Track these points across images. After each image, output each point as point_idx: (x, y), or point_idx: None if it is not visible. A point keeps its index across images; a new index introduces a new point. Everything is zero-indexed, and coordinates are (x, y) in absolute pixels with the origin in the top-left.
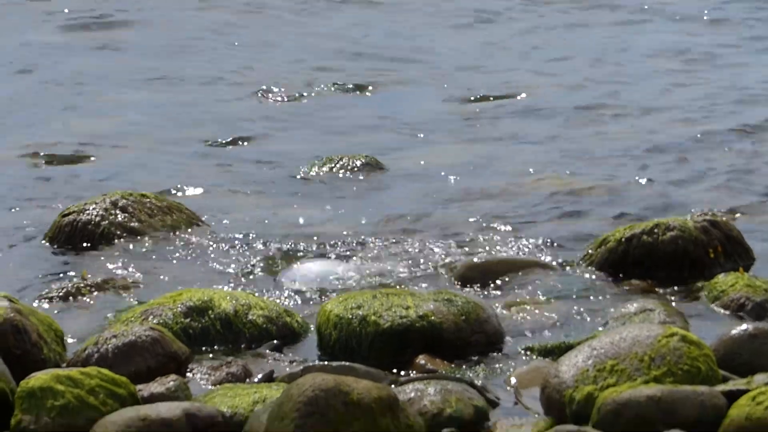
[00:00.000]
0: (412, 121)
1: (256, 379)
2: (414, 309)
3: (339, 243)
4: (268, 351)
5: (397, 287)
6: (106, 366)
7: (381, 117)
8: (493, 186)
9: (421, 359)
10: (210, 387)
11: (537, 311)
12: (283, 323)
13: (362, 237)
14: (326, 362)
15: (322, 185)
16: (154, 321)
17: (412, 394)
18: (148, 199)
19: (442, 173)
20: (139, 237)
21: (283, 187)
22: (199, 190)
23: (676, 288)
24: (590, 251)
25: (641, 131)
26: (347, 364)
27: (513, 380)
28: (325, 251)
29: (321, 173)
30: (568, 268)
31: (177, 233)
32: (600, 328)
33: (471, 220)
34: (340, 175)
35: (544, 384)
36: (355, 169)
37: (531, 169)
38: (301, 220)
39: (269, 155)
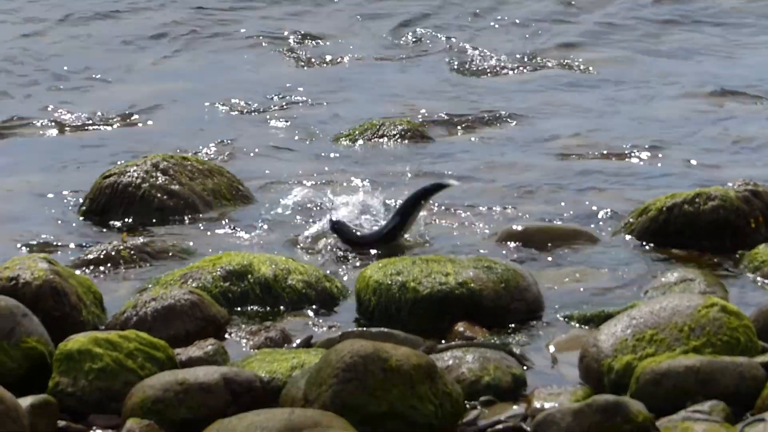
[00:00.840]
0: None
1: (294, 345)
2: (453, 276)
3: (380, 211)
4: (306, 316)
5: (437, 254)
6: (144, 329)
7: (425, 82)
8: (536, 156)
9: (460, 326)
10: (248, 351)
11: (577, 279)
12: (322, 288)
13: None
14: (365, 328)
15: (364, 152)
16: (194, 285)
17: (451, 362)
18: (189, 162)
19: (487, 144)
20: (179, 200)
21: (326, 152)
22: (241, 155)
23: (716, 258)
24: (631, 220)
25: (688, 108)
26: (386, 330)
27: (551, 348)
28: (366, 219)
29: (363, 139)
30: (608, 236)
31: (217, 197)
32: (640, 298)
33: (512, 189)
34: (384, 142)
35: (582, 353)
36: (398, 135)
37: (575, 142)
38: (343, 187)
39: (314, 120)
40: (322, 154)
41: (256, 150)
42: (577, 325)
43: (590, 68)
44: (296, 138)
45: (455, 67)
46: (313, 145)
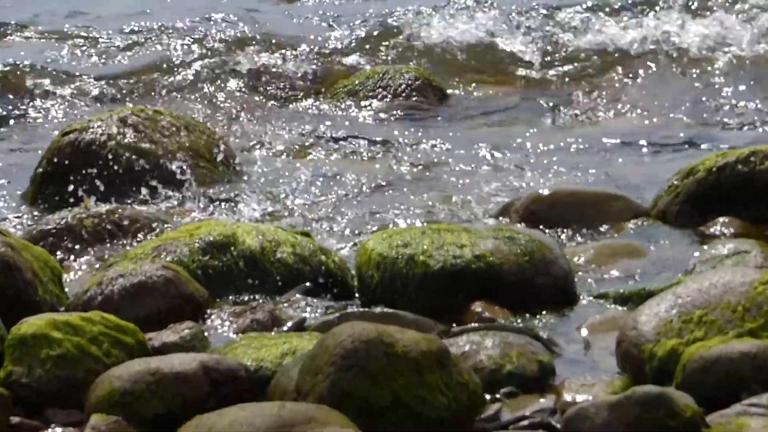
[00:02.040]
0: None
1: (285, 328)
2: (470, 248)
3: (384, 174)
4: (299, 295)
5: (451, 223)
6: (111, 310)
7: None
8: (572, 115)
9: (477, 306)
10: (231, 336)
11: (613, 251)
12: (318, 263)
13: (414, 168)
14: (367, 309)
15: (364, 104)
16: (168, 258)
17: (466, 347)
18: (163, 116)
19: (505, 102)
20: (151, 160)
21: (319, 105)
22: (221, 107)
23: None
24: (675, 182)
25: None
26: (391, 311)
27: (584, 332)
28: (368, 183)
29: (363, 90)
30: (650, 201)
31: (196, 157)
32: (686, 273)
33: (539, 150)
34: (388, 96)
35: (620, 337)
36: (406, 89)
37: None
38: (339, 146)
39: (304, 64)
40: (316, 110)
41: (240, 102)
42: (614, 304)
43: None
44: (286, 85)
45: None
46: (305, 101)
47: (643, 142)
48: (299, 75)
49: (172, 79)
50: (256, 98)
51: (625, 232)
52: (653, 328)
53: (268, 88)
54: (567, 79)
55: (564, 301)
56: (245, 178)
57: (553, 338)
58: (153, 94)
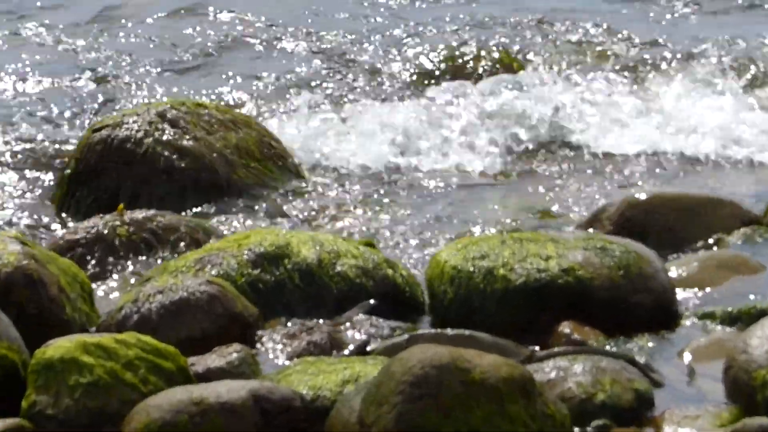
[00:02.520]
0: None
1: (346, 352)
2: (556, 260)
3: (462, 173)
4: (362, 314)
5: (535, 231)
6: (148, 332)
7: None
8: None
9: (565, 327)
10: (285, 361)
11: (719, 264)
12: (383, 277)
13: (493, 164)
14: (439, 330)
15: (440, 93)
16: (213, 272)
17: (553, 374)
18: (207, 110)
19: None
20: (193, 160)
21: (392, 95)
22: (271, 101)
23: None
24: None
25: None
26: (467, 332)
27: (687, 356)
28: (447, 183)
29: (440, 75)
30: (761, 208)
31: (244, 156)
32: None
33: (636, 145)
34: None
35: (728, 362)
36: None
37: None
38: (411, 144)
39: (370, 55)
40: (391, 97)
41: (293, 95)
42: (721, 325)
43: None
44: (354, 77)
45: None
46: (376, 89)
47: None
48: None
49: (220, 69)
50: (313, 88)
51: (733, 242)
52: (765, 350)
53: (328, 79)
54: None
55: (664, 321)
56: (302, 180)
57: (652, 364)
58: (197, 86)
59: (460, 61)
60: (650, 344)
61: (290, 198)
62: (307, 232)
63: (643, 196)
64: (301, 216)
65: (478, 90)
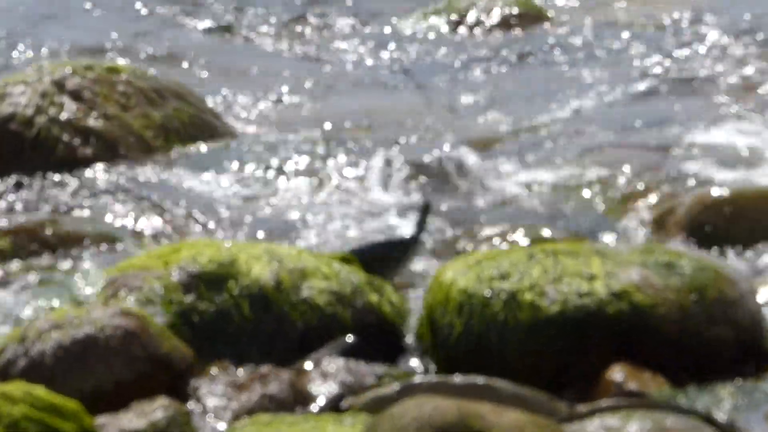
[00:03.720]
0: None
1: (313, 407)
2: (604, 280)
3: (462, 153)
4: (336, 355)
5: (573, 240)
6: (41, 381)
7: None
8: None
9: (617, 372)
10: (230, 420)
11: None
12: (365, 305)
13: (512, 138)
14: (443, 376)
15: (433, 48)
16: (130, 299)
17: None
18: (121, 76)
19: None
20: (103, 145)
21: (362, 54)
22: (211, 64)
23: None
24: None
25: None
26: (481, 379)
27: None
28: (441, 173)
29: (431, 29)
30: None
31: (173, 138)
32: None
33: (695, 118)
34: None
35: None
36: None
37: None
38: (396, 111)
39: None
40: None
41: (235, 55)
42: None
43: None
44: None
45: None
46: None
47: None
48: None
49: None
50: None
51: None
52: None
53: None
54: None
55: (752, 362)
56: (252, 169)
57: (736, 423)
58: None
59: None
60: (733, 396)
61: (233, 192)
62: (260, 243)
63: (722, 192)
64: (250, 219)
65: None
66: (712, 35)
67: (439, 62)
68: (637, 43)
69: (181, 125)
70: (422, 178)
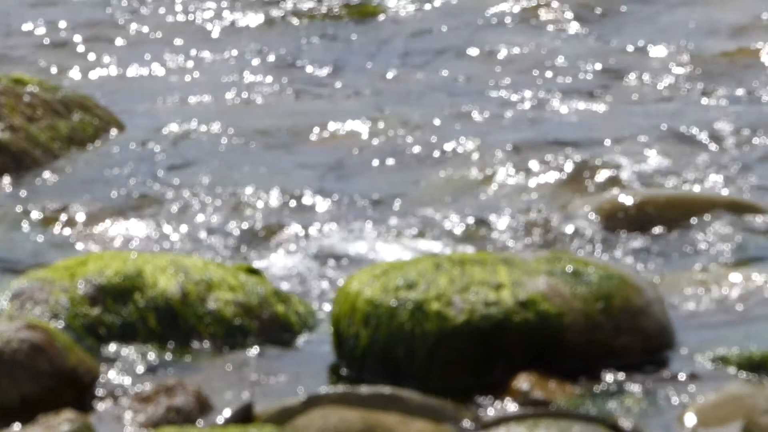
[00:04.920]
0: None
1: (220, 418)
2: (511, 289)
3: (362, 153)
4: (243, 366)
5: (482, 250)
6: None
7: None
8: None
9: (523, 381)
10: (137, 431)
11: (734, 289)
12: (271, 316)
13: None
14: (349, 387)
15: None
16: (35, 312)
17: None
18: (29, 89)
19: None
20: (5, 157)
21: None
22: (115, 70)
23: None
24: None
25: None
26: (388, 390)
27: (690, 419)
28: (344, 173)
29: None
30: None
31: (80, 147)
32: None
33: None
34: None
35: (747, 426)
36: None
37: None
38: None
39: None
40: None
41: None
42: (739, 373)
43: None
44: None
45: None
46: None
47: None
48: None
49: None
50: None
51: (753, 256)
52: None
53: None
54: None
55: (659, 369)
56: (161, 178)
57: (643, 429)
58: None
59: None
60: (640, 403)
61: (140, 204)
62: (166, 254)
63: (626, 197)
64: (155, 230)
65: None
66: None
67: None
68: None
69: (87, 137)
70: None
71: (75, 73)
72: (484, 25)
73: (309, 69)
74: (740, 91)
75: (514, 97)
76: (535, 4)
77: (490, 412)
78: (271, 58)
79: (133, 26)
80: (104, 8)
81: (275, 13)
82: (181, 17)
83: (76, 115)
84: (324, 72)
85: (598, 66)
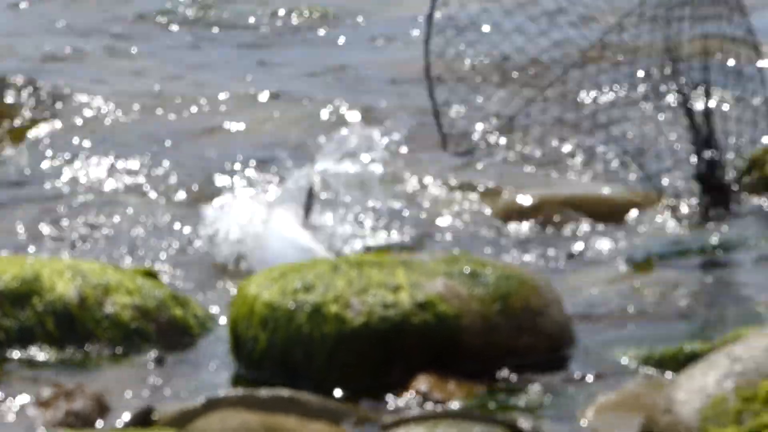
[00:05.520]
0: None
1: (120, 421)
2: (408, 291)
3: (279, 153)
4: (142, 369)
5: (379, 250)
6: None
7: None
8: None
9: (422, 383)
10: None
11: (632, 287)
12: (169, 319)
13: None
14: (248, 390)
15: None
16: None
17: None
18: None
19: None
20: None
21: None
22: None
23: None
24: (735, 172)
25: None
26: (286, 393)
27: (588, 417)
28: (260, 170)
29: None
30: (683, 208)
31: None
32: (748, 321)
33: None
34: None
35: (647, 423)
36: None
37: None
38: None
39: None
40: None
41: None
42: (639, 371)
43: None
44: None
45: None
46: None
47: None
48: None
49: None
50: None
51: (652, 253)
52: (697, 409)
53: None
54: None
55: (558, 369)
56: (52, 171)
57: (542, 428)
58: None
59: None
60: (541, 401)
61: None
62: (64, 259)
63: (527, 199)
64: (50, 231)
65: None
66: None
67: None
68: None
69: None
70: None
71: None
72: None
73: None
74: None
75: None
76: None
77: (390, 413)
78: None
79: None
80: None
81: None
82: None
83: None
84: None
85: None
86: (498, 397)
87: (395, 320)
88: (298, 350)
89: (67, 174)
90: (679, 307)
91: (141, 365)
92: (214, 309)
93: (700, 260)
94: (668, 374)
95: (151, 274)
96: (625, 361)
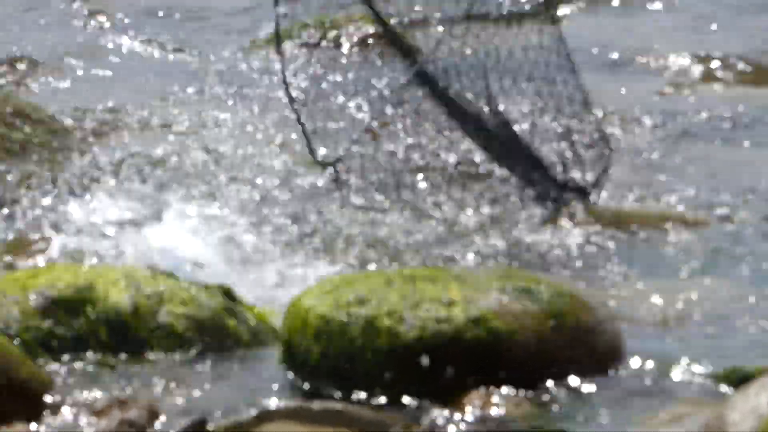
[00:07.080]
0: None
1: (172, 431)
2: (462, 306)
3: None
4: (195, 379)
5: (434, 266)
6: None
7: None
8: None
9: (474, 397)
10: None
11: (687, 303)
12: (221, 329)
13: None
14: (301, 402)
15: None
16: None
17: None
18: None
19: None
20: None
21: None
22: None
23: None
24: None
25: None
26: (339, 405)
27: None
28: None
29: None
30: (734, 223)
31: (26, 157)
32: None
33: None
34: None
35: None
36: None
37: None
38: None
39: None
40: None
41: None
42: (694, 389)
43: None
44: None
45: None
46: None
47: None
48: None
49: None
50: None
51: (706, 269)
52: (751, 429)
53: None
54: None
55: (611, 386)
56: (106, 184)
57: None
58: None
59: None
60: (592, 419)
61: (91, 214)
62: (119, 267)
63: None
64: (107, 242)
65: None
66: None
67: None
68: None
69: (32, 145)
70: None
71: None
72: None
73: None
74: None
75: None
76: None
77: (441, 428)
78: None
79: None
80: None
81: None
82: None
83: (24, 124)
84: None
85: None
86: (549, 414)
87: (448, 335)
88: (351, 363)
89: None
90: (736, 324)
91: (194, 375)
92: (268, 320)
93: (758, 275)
94: (723, 392)
95: (227, 293)
96: (678, 378)
